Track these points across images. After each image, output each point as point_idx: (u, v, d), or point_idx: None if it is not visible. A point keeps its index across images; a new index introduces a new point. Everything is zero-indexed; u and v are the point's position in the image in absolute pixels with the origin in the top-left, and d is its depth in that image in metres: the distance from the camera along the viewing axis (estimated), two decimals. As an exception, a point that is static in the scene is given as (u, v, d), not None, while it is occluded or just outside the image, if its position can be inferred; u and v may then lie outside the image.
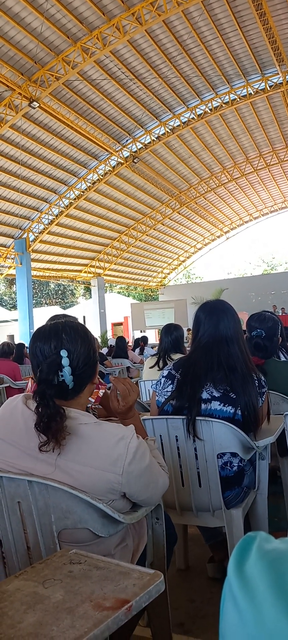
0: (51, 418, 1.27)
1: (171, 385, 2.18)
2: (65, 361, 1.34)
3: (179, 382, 2.14)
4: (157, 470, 1.48)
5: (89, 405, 2.33)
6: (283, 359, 3.12)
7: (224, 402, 2.04)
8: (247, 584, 0.39)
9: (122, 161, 17.42)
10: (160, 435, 2.13)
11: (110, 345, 11.72)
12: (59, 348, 1.35)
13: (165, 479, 1.52)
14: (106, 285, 26.49)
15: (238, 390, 2.02)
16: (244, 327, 3.08)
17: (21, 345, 8.55)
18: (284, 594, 0.37)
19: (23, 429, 1.33)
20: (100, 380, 2.70)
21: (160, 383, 2.24)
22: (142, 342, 11.77)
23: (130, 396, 1.66)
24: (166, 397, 2.17)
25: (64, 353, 1.34)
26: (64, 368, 1.34)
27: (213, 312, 2.16)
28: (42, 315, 25.43)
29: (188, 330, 12.99)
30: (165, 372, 2.24)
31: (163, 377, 2.24)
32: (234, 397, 2.03)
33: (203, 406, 2.05)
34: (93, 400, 2.37)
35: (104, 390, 2.61)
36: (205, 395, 2.07)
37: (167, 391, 2.19)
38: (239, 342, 2.11)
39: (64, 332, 1.39)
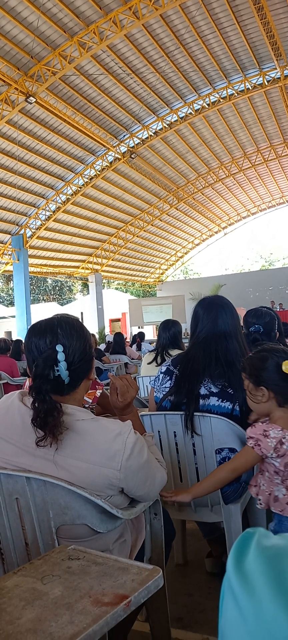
0: (48, 413, 1.26)
1: (169, 381, 2.18)
2: (60, 356, 1.33)
3: (177, 378, 2.14)
4: (155, 466, 1.48)
5: (87, 405, 2.32)
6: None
7: (222, 398, 2.04)
8: (246, 580, 0.39)
9: (120, 156, 17.37)
10: (159, 431, 2.13)
11: (108, 341, 11.71)
12: (55, 343, 1.35)
13: (163, 475, 1.52)
14: (104, 281, 26.48)
15: (236, 386, 2.02)
16: (241, 323, 3.07)
17: (18, 341, 8.53)
18: (283, 590, 0.36)
19: (20, 426, 1.32)
20: (97, 380, 2.70)
21: (159, 379, 2.24)
22: (138, 338, 11.76)
23: (128, 393, 1.66)
24: (164, 392, 2.18)
25: (59, 348, 1.34)
26: (60, 363, 1.33)
27: (212, 307, 2.15)
28: (40, 312, 25.41)
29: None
30: (164, 368, 2.24)
31: (161, 372, 2.24)
32: (232, 392, 2.03)
33: (201, 402, 2.06)
34: (90, 401, 2.36)
35: (101, 391, 2.61)
36: (203, 390, 2.07)
37: (165, 387, 2.19)
38: (237, 337, 2.11)
39: (60, 327, 1.38)
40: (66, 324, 1.41)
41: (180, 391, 2.10)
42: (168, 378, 2.19)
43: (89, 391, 2.54)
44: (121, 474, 1.30)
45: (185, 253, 30.20)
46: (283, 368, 1.51)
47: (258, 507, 1.73)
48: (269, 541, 0.42)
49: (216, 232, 29.32)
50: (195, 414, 2.01)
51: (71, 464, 1.29)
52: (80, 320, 1.51)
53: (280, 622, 0.35)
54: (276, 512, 1.63)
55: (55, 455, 1.29)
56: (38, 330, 1.40)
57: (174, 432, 2.09)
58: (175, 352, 3.50)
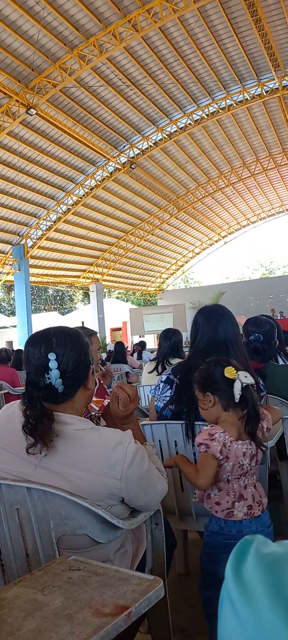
0: (38, 420, 1.27)
1: (170, 390, 2.18)
2: (52, 364, 1.34)
3: (178, 387, 2.15)
4: (156, 476, 1.48)
5: (93, 413, 2.32)
6: (281, 362, 3.12)
7: None
8: (244, 587, 0.39)
9: (120, 167, 17.47)
10: (160, 441, 2.13)
11: (109, 350, 11.71)
12: (48, 351, 1.36)
13: (164, 484, 1.52)
14: (105, 290, 26.50)
15: None
16: (241, 332, 3.08)
17: (19, 351, 8.52)
18: (282, 598, 0.37)
19: (20, 435, 1.33)
20: (107, 390, 2.70)
21: (159, 388, 2.24)
22: (139, 347, 11.75)
23: (130, 404, 1.67)
24: (165, 402, 2.18)
25: (51, 356, 1.35)
26: (51, 371, 1.34)
27: (212, 316, 2.16)
28: (41, 321, 25.43)
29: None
30: (164, 377, 2.25)
31: (161, 381, 2.24)
32: None
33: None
34: (97, 409, 2.35)
35: (109, 400, 2.60)
36: None
37: (165, 396, 2.19)
38: (238, 345, 2.12)
39: (54, 336, 1.40)
40: (61, 333, 1.42)
41: (180, 400, 2.10)
42: (168, 387, 2.19)
43: (97, 399, 2.54)
44: (121, 483, 1.30)
45: (186, 262, 30.26)
46: (226, 373, 1.65)
47: (193, 501, 1.79)
48: (267, 548, 0.42)
49: (216, 241, 29.38)
50: (196, 422, 2.01)
51: (71, 474, 1.29)
52: (78, 330, 1.52)
53: (278, 630, 0.35)
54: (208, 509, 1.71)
55: (55, 465, 1.29)
56: (34, 340, 1.42)
57: (175, 441, 2.09)
58: (175, 361, 3.50)
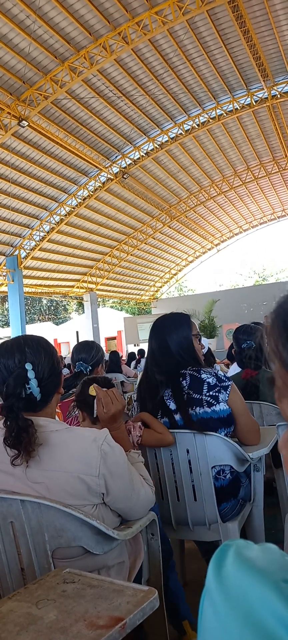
0: (21, 431, 1.28)
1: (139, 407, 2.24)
2: (30, 374, 1.36)
3: (140, 404, 2.21)
4: (139, 481, 1.48)
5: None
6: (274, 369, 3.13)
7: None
8: (222, 580, 0.40)
9: (112, 177, 17.53)
10: (155, 451, 2.12)
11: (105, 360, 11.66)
12: (24, 362, 1.37)
13: (149, 491, 1.52)
14: (99, 299, 26.47)
15: (176, 399, 2.09)
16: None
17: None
18: (256, 572, 0.38)
19: (1, 449, 1.33)
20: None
21: (135, 408, 2.29)
22: (139, 355, 11.75)
23: (112, 404, 1.71)
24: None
25: (28, 366, 1.36)
26: (31, 380, 1.36)
27: (160, 325, 2.23)
28: (36, 332, 25.26)
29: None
30: (135, 396, 2.31)
31: (135, 401, 2.30)
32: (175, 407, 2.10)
33: (176, 417, 2.09)
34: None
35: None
36: (172, 406, 2.11)
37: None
38: (186, 350, 2.15)
39: (27, 346, 1.41)
40: (32, 342, 1.44)
41: (146, 410, 2.14)
42: (138, 404, 2.25)
43: None
44: (100, 479, 1.32)
45: (179, 270, 30.33)
46: (89, 391, 1.80)
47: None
48: (247, 551, 0.42)
49: (209, 249, 29.50)
50: (191, 431, 2.01)
51: (49, 477, 1.29)
52: (45, 338, 1.55)
53: (252, 617, 0.36)
54: None
55: (33, 471, 1.30)
56: (5, 350, 1.42)
57: (170, 450, 2.08)
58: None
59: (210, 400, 2.04)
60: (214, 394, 2.05)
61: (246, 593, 0.37)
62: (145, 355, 2.29)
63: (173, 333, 2.16)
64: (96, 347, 2.90)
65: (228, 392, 2.07)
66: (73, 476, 1.29)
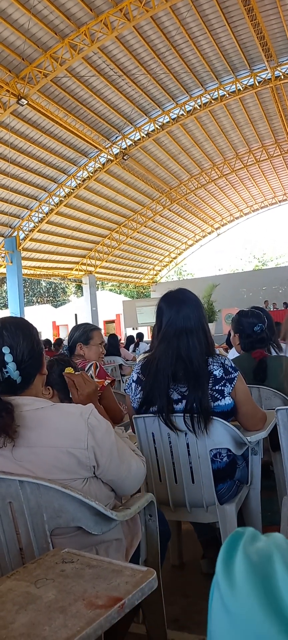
0: None
1: (142, 391, 2.14)
2: (8, 357, 1.35)
3: (145, 388, 2.11)
4: (129, 453, 1.50)
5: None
6: (274, 353, 3.14)
7: (187, 399, 2.03)
8: (233, 583, 0.40)
9: (112, 158, 17.36)
10: (153, 433, 2.12)
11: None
12: (1, 345, 1.36)
13: (140, 464, 1.54)
14: (98, 282, 26.42)
15: (191, 384, 2.00)
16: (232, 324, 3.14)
17: None
18: (269, 597, 0.37)
19: None
20: (107, 373, 2.76)
21: (131, 389, 2.21)
22: (138, 338, 11.76)
23: (86, 385, 1.85)
24: (138, 402, 2.15)
25: (5, 350, 1.36)
26: (8, 364, 1.35)
27: (174, 302, 2.10)
28: (34, 314, 25.31)
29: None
30: (134, 376, 2.21)
31: (133, 381, 2.21)
32: (187, 391, 2.01)
33: (176, 406, 2.04)
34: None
35: (109, 381, 2.66)
36: (175, 396, 2.05)
37: (138, 398, 2.16)
38: (199, 333, 2.05)
39: (5, 329, 1.40)
40: (11, 324, 1.42)
41: (153, 394, 2.07)
42: (140, 387, 2.16)
43: (98, 380, 2.56)
44: (89, 452, 1.32)
45: (179, 254, 30.24)
46: (63, 373, 1.93)
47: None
48: (255, 545, 0.42)
49: (209, 233, 29.37)
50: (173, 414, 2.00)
51: (37, 453, 1.30)
52: (26, 319, 1.54)
53: (267, 628, 0.36)
54: None
55: (16, 450, 1.30)
56: None
57: (168, 433, 2.09)
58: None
59: (216, 395, 2.02)
60: (220, 387, 2.02)
61: (255, 595, 0.37)
62: (158, 344, 2.11)
63: (190, 313, 2.07)
64: (78, 327, 3.15)
65: (233, 384, 2.04)
66: (62, 451, 1.30)
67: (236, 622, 0.38)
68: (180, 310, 2.07)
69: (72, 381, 1.89)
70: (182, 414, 1.99)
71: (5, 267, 17.47)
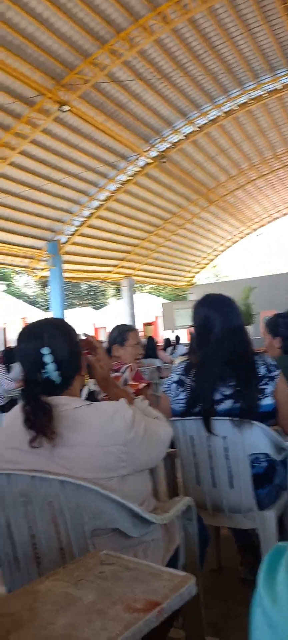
0: (36, 415, 1.31)
1: (183, 392, 2.13)
2: (47, 358, 1.37)
3: (192, 388, 2.09)
4: (155, 425, 1.50)
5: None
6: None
7: (235, 399, 2.00)
8: (277, 599, 0.39)
9: (150, 161, 17.41)
10: (192, 436, 2.10)
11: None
12: (41, 346, 1.38)
13: (166, 428, 1.55)
14: (136, 285, 26.54)
15: (242, 381, 2.00)
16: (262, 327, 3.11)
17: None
18: None
19: (22, 429, 1.36)
20: (143, 376, 2.76)
21: (171, 390, 2.20)
22: (175, 341, 11.73)
23: (98, 349, 1.67)
24: (180, 404, 2.13)
25: (46, 350, 1.37)
26: (48, 365, 1.37)
27: (221, 304, 2.13)
28: (75, 316, 25.76)
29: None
30: (175, 377, 2.19)
31: (174, 382, 2.19)
32: (240, 389, 2.01)
33: (218, 407, 2.02)
34: (133, 391, 2.35)
35: (145, 384, 2.63)
36: (218, 396, 2.02)
37: (180, 399, 2.14)
38: (245, 332, 2.11)
39: (46, 330, 1.42)
40: (51, 326, 1.45)
41: (196, 401, 2.06)
42: (182, 389, 2.14)
43: (133, 383, 2.57)
44: (126, 447, 1.33)
45: (216, 256, 29.88)
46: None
47: None
48: None
49: (247, 234, 28.87)
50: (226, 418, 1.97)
51: (75, 452, 1.32)
52: (66, 320, 1.56)
53: None
54: None
55: (56, 449, 1.32)
56: (25, 336, 1.45)
57: (207, 436, 2.05)
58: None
59: (258, 396, 2.01)
60: (262, 386, 2.00)
61: None
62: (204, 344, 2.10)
63: (237, 312, 2.14)
64: (115, 329, 3.20)
65: (275, 383, 2.02)
66: (99, 449, 1.32)
67: (280, 636, 0.37)
68: (225, 311, 2.09)
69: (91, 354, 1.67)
70: (224, 417, 1.97)
71: (48, 270, 17.89)
